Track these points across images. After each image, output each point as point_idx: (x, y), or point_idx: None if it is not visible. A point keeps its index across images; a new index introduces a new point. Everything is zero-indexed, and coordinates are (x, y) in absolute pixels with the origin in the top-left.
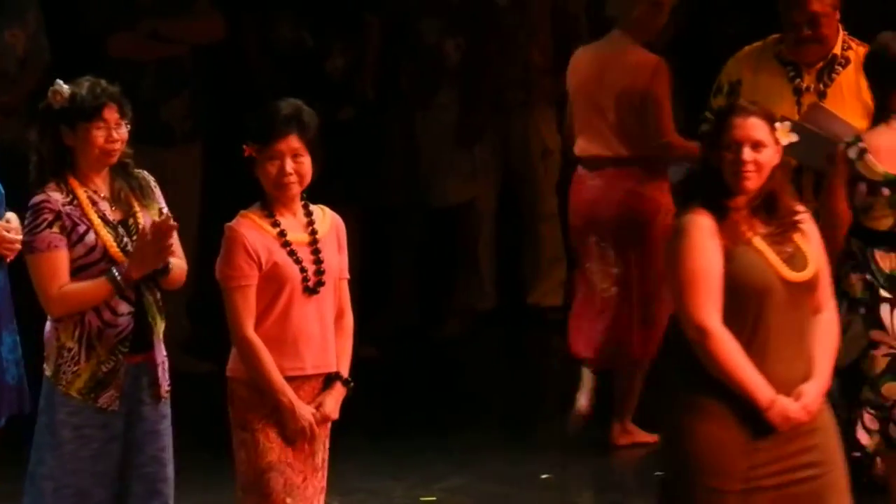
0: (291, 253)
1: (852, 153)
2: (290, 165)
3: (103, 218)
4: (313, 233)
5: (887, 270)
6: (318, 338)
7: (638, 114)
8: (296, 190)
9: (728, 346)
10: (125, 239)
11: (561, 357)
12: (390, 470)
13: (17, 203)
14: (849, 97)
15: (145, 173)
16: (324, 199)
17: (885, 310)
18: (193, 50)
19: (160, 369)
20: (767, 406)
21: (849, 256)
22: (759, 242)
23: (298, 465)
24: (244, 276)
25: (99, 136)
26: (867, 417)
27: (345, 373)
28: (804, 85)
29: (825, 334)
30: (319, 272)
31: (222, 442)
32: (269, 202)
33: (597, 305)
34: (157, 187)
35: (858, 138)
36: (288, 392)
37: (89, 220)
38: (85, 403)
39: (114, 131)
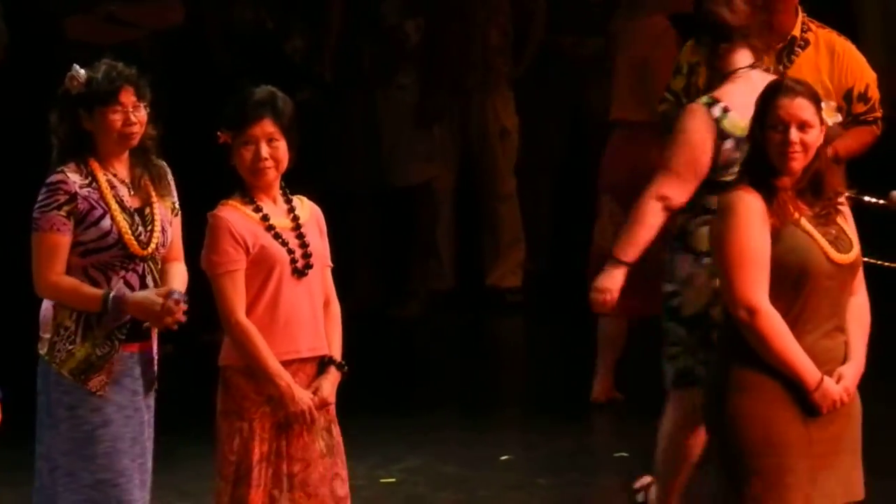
0: (277, 236)
1: (716, 112)
2: (265, 150)
3: (121, 204)
4: (295, 218)
5: None
6: (310, 320)
7: (640, 79)
8: (272, 175)
9: (777, 326)
10: (140, 228)
11: (520, 338)
12: (349, 450)
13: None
14: (809, 78)
15: (163, 163)
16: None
17: None
18: (152, 32)
19: (154, 361)
20: (815, 387)
21: (699, 212)
22: (806, 223)
23: (297, 453)
24: (231, 261)
25: (116, 119)
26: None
27: (337, 357)
28: (763, 67)
29: (861, 317)
30: (307, 255)
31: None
32: (248, 190)
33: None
34: (172, 179)
35: (714, 99)
36: (285, 376)
37: (106, 203)
38: (76, 384)
39: (131, 114)
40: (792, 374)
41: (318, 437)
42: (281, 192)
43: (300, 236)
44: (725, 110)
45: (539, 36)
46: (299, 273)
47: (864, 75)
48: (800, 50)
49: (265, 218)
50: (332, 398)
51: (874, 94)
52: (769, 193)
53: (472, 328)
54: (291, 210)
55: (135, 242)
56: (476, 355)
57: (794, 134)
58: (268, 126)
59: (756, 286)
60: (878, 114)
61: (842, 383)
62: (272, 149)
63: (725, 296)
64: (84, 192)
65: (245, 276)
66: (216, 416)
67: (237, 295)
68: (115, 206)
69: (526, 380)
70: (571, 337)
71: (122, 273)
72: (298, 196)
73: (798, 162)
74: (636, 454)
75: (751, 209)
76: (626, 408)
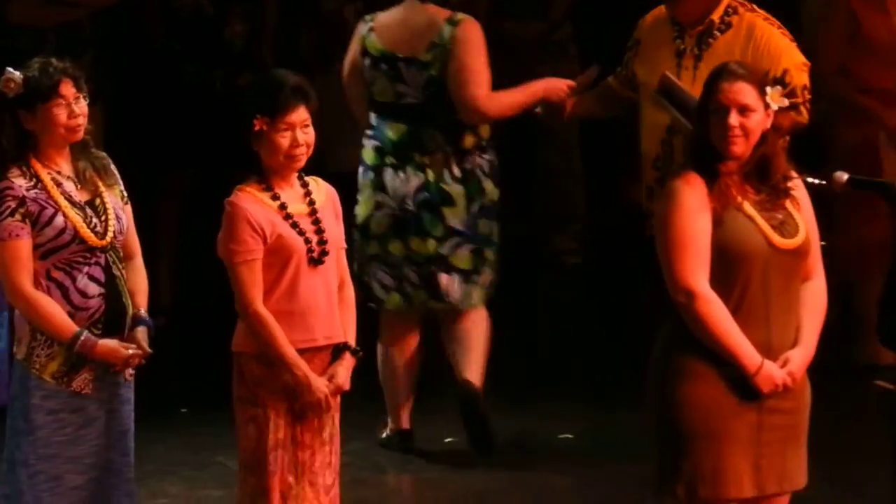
0: (294, 225)
1: (363, 29)
2: (301, 136)
3: (70, 199)
4: (311, 203)
5: (394, 139)
6: (326, 308)
7: None
8: (303, 161)
9: (716, 310)
10: (94, 220)
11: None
12: None
13: None
14: (721, 61)
15: (103, 153)
16: (226, 165)
17: (388, 174)
18: (94, 14)
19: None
20: (754, 371)
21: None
22: (748, 208)
23: (308, 439)
24: (249, 251)
25: (60, 113)
26: (381, 274)
27: (352, 342)
28: (684, 47)
29: (814, 302)
30: (322, 242)
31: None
32: (266, 175)
33: None
34: (116, 175)
35: (373, 17)
36: (302, 365)
37: (55, 202)
38: (58, 387)
39: (74, 106)
40: (731, 358)
41: (326, 425)
42: (297, 175)
43: (316, 222)
44: (371, 29)
45: (483, 19)
46: (315, 261)
47: (782, 60)
48: (718, 34)
49: (283, 206)
50: (347, 385)
51: (793, 79)
52: (712, 178)
53: None
54: (308, 194)
55: (91, 235)
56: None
57: (734, 118)
58: (303, 112)
59: (695, 270)
60: (800, 99)
61: (787, 367)
62: (306, 135)
63: (666, 280)
64: (31, 194)
65: (262, 264)
66: (232, 402)
67: (255, 284)
68: (64, 203)
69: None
70: (514, 318)
71: (86, 269)
72: (314, 177)
73: (739, 146)
74: (581, 436)
75: (692, 194)
76: (572, 391)
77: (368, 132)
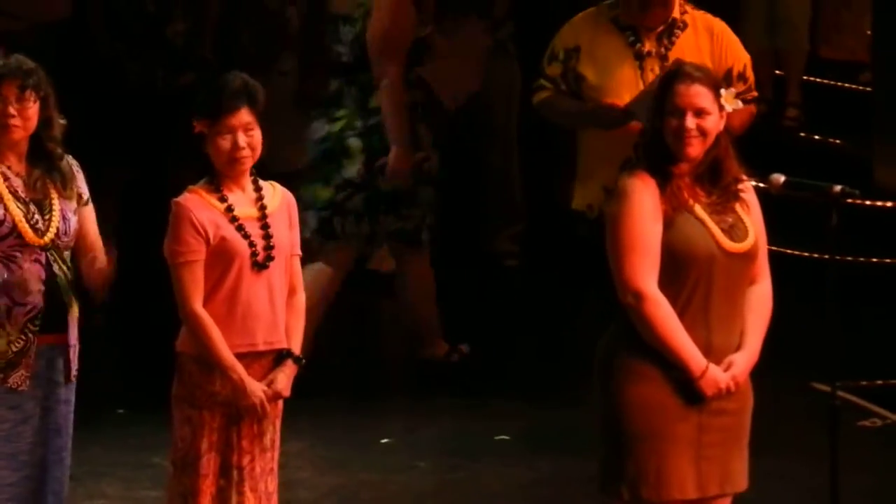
0: (239, 228)
1: None
2: (242, 139)
3: (14, 193)
4: (262, 208)
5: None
6: (269, 314)
7: None
8: (248, 164)
9: (663, 312)
10: (36, 216)
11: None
12: None
13: None
14: (691, 59)
15: (70, 159)
16: (168, 163)
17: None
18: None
19: (72, 351)
20: (699, 375)
21: None
22: (699, 211)
23: (246, 445)
24: (191, 252)
25: None
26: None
27: (296, 350)
28: (645, 49)
29: (759, 306)
30: (269, 247)
31: None
32: (216, 178)
33: None
34: (80, 171)
35: None
36: (238, 368)
37: None
38: None
39: (11, 107)
40: (676, 361)
41: (267, 431)
42: (252, 179)
43: (265, 227)
44: None
45: (430, 19)
46: (259, 266)
47: (741, 55)
48: (679, 32)
49: (229, 209)
50: (286, 392)
51: (751, 74)
52: (665, 179)
53: (352, 312)
54: (260, 199)
55: (30, 231)
56: (357, 339)
57: (690, 120)
58: (245, 115)
59: (644, 272)
60: (755, 94)
61: (730, 371)
62: (249, 137)
63: (615, 280)
64: None
65: (204, 266)
66: (170, 401)
67: (195, 285)
68: (7, 195)
69: (408, 363)
70: (454, 319)
71: (25, 265)
72: (271, 182)
73: (695, 148)
74: (517, 437)
75: (644, 195)
76: (509, 392)
77: None
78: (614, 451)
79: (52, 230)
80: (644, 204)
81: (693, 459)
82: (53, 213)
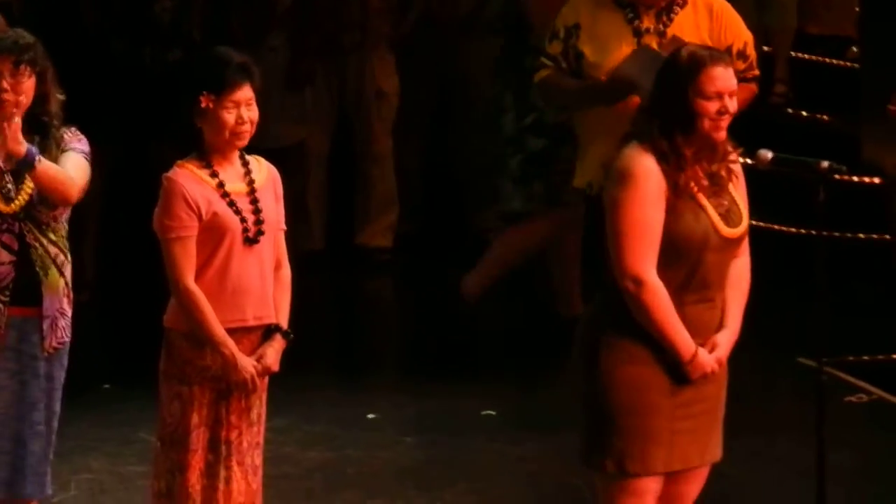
0: (231, 203)
1: None
2: (245, 114)
3: None
4: (251, 183)
5: None
6: (259, 289)
7: None
8: (247, 139)
9: (661, 300)
10: (8, 186)
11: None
12: None
13: None
14: (689, 37)
15: (69, 132)
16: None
17: None
18: None
19: (48, 323)
20: (688, 359)
21: None
22: (700, 196)
23: (234, 420)
24: (184, 227)
25: None
26: None
27: (284, 324)
28: (644, 26)
29: (739, 282)
30: (259, 222)
31: None
32: (206, 152)
33: None
34: (75, 137)
35: None
36: (229, 344)
37: None
38: None
39: (3, 81)
40: (668, 346)
41: (254, 406)
42: (238, 153)
43: (254, 201)
44: None
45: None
46: (250, 241)
47: (741, 33)
48: (678, 9)
49: (220, 184)
50: (275, 366)
51: (752, 52)
52: (671, 157)
53: (340, 288)
54: (248, 173)
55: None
56: (344, 315)
57: (731, 103)
58: (248, 90)
59: (645, 259)
60: (757, 72)
61: (715, 353)
62: (251, 112)
63: (614, 263)
64: None
65: (196, 241)
66: (158, 377)
67: (187, 260)
68: None
69: (394, 340)
70: (440, 297)
71: None
72: (255, 157)
73: (724, 132)
74: (503, 413)
75: (648, 180)
76: (494, 369)
77: None
78: (599, 425)
79: (22, 198)
80: (648, 189)
81: (675, 432)
82: (27, 181)
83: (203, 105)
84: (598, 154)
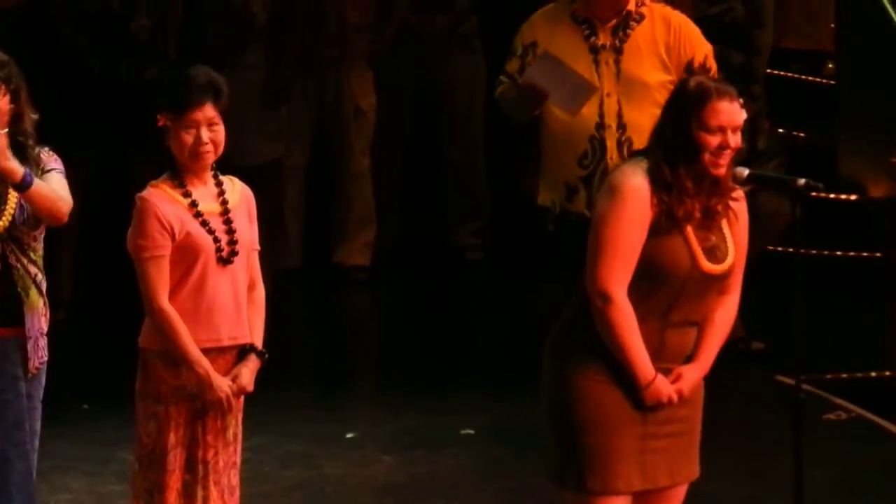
0: (204, 223)
1: None
2: (205, 134)
3: None
4: (224, 203)
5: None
6: (233, 308)
7: None
8: (210, 159)
9: (626, 320)
10: None
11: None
12: None
13: None
14: (646, 52)
15: (43, 152)
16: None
17: None
18: None
19: (31, 344)
20: (644, 385)
21: None
22: (688, 231)
23: (210, 439)
24: (157, 247)
25: None
26: None
27: (259, 344)
28: (600, 42)
29: (722, 319)
30: (233, 242)
31: None
32: (179, 172)
33: None
34: (52, 157)
35: None
36: (204, 363)
37: None
38: None
39: None
40: (627, 367)
41: (230, 425)
42: (212, 173)
43: (227, 222)
44: None
45: (402, 14)
46: (224, 261)
47: (701, 46)
48: (635, 24)
49: (193, 203)
50: (250, 386)
51: (712, 64)
52: (669, 184)
53: (317, 306)
54: (221, 193)
55: None
56: (322, 333)
57: (733, 139)
58: (209, 110)
59: (618, 277)
60: None
61: (677, 383)
62: (212, 133)
63: (587, 276)
64: None
65: (170, 261)
66: (134, 397)
67: (161, 280)
68: None
69: (372, 357)
70: (418, 314)
71: None
72: (229, 177)
73: (725, 166)
74: (482, 432)
75: (636, 201)
76: (473, 385)
77: None
78: (563, 441)
79: (6, 219)
80: (635, 210)
81: (640, 452)
82: (9, 202)
83: (160, 124)
84: (560, 173)
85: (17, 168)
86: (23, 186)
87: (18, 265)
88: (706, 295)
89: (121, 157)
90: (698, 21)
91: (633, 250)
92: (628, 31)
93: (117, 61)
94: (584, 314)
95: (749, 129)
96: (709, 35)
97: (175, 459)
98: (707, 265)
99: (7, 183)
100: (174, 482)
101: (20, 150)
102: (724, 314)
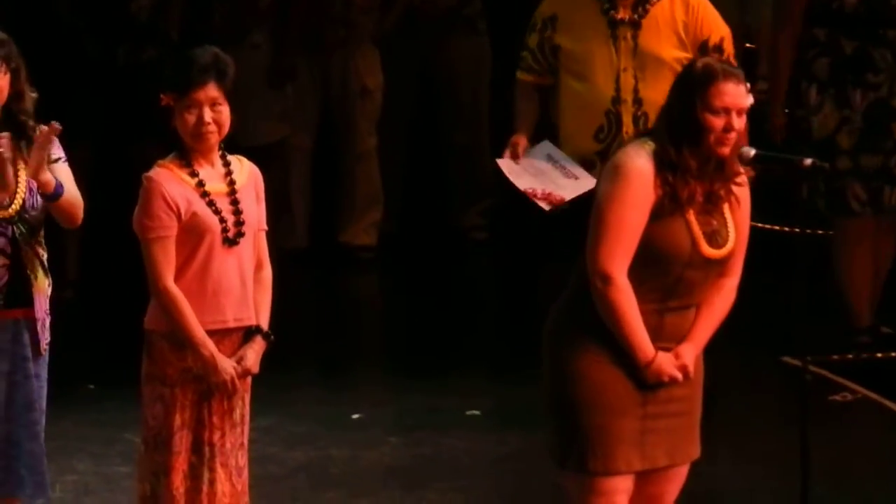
0: (210, 203)
1: None
2: (208, 115)
3: None
4: (231, 183)
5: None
6: (239, 290)
7: None
8: (214, 140)
9: (626, 300)
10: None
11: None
12: None
13: None
14: (664, 29)
15: (41, 129)
16: (137, 141)
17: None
18: None
19: (39, 325)
20: (645, 364)
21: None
22: (690, 215)
23: (216, 421)
24: (163, 227)
25: None
26: (857, 187)
27: (265, 326)
28: (619, 17)
29: (720, 301)
30: (239, 223)
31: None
32: (186, 152)
33: None
34: (56, 146)
35: None
36: (209, 345)
37: None
38: None
39: None
40: (627, 348)
41: (237, 407)
42: (220, 154)
43: (234, 202)
44: None
45: None
46: (230, 242)
47: (719, 28)
48: (654, 0)
49: (200, 183)
50: (255, 368)
51: (729, 47)
52: (674, 165)
53: (323, 286)
54: (229, 174)
55: None
56: (328, 314)
57: (737, 121)
58: (212, 90)
59: (618, 258)
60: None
61: (678, 361)
62: (215, 113)
63: (588, 256)
64: None
65: (176, 242)
66: (140, 378)
67: (167, 261)
68: None
69: (378, 338)
70: (423, 295)
71: None
72: (238, 157)
73: (730, 148)
74: (487, 413)
75: (640, 182)
76: (478, 366)
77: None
78: (563, 422)
79: (17, 202)
80: (638, 192)
81: (640, 432)
82: (20, 185)
83: (163, 104)
84: (572, 145)
85: (51, 179)
86: (53, 197)
87: (27, 247)
88: (706, 279)
89: (123, 138)
90: None
91: (635, 232)
92: (648, 6)
93: (116, 43)
94: (584, 295)
95: None
96: None
97: (181, 441)
98: (707, 250)
99: (18, 164)
100: (180, 464)
101: (21, 129)
102: (723, 296)
